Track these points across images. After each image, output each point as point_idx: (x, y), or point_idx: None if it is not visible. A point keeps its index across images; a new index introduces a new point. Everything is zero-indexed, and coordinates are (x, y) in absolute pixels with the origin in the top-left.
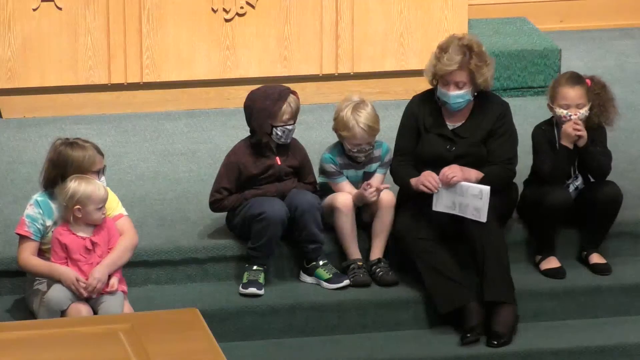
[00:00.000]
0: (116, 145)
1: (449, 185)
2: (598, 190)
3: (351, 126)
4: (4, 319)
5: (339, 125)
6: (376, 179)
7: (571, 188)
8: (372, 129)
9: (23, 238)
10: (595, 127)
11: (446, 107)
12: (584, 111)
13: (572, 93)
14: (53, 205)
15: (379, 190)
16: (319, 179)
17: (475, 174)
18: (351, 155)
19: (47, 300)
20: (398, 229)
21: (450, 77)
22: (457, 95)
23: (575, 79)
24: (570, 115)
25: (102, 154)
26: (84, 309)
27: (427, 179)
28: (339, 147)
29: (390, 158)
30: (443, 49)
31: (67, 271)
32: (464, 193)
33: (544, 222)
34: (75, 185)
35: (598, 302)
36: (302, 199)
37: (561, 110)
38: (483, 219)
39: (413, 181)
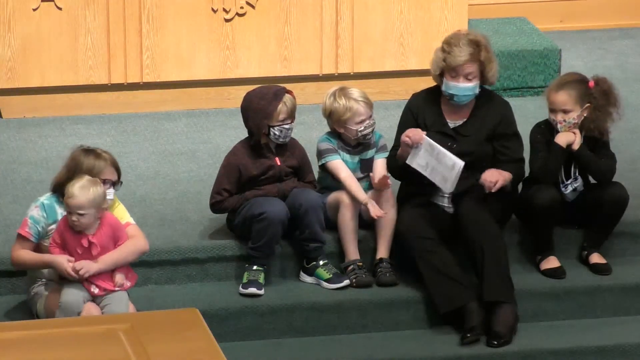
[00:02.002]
0: (116, 145)
1: (489, 188)
2: (604, 190)
3: (350, 105)
4: (4, 319)
5: (338, 113)
6: (379, 166)
7: (569, 189)
8: (369, 99)
9: (21, 237)
10: (594, 134)
11: (454, 100)
12: (571, 117)
13: (557, 98)
14: (59, 210)
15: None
16: (318, 161)
17: (507, 174)
18: (359, 138)
19: (64, 305)
20: (400, 228)
21: (461, 69)
22: (467, 88)
23: (563, 84)
24: (556, 123)
25: (116, 168)
26: (94, 310)
27: (411, 131)
28: (334, 133)
29: (383, 143)
30: (451, 43)
31: (58, 257)
32: (440, 159)
33: (537, 222)
34: (70, 183)
35: (598, 302)
36: (307, 197)
37: (550, 115)
38: (447, 190)
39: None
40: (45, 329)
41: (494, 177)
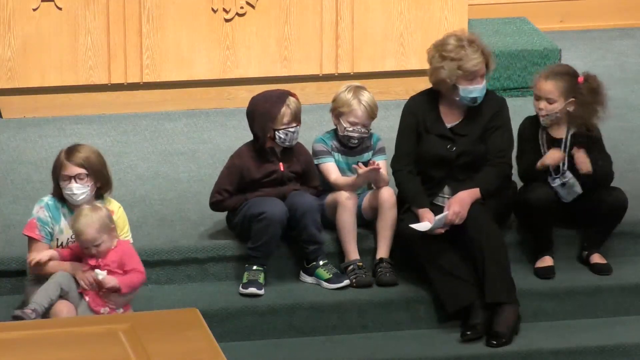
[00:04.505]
0: (116, 145)
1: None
2: (603, 195)
3: (352, 103)
4: (4, 319)
5: (339, 103)
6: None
7: (557, 182)
8: (372, 109)
9: (33, 241)
10: (582, 130)
11: (475, 104)
12: (553, 108)
13: (543, 86)
14: (62, 210)
15: (376, 170)
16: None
17: (469, 197)
18: (345, 135)
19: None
20: (403, 228)
21: (478, 70)
22: (484, 87)
23: (553, 73)
24: (539, 111)
25: (80, 165)
26: (65, 309)
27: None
28: (332, 132)
29: (381, 146)
30: (455, 49)
31: (74, 263)
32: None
33: (534, 221)
34: (73, 220)
35: (598, 302)
36: (302, 200)
37: (535, 102)
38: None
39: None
40: (45, 329)
41: (457, 210)
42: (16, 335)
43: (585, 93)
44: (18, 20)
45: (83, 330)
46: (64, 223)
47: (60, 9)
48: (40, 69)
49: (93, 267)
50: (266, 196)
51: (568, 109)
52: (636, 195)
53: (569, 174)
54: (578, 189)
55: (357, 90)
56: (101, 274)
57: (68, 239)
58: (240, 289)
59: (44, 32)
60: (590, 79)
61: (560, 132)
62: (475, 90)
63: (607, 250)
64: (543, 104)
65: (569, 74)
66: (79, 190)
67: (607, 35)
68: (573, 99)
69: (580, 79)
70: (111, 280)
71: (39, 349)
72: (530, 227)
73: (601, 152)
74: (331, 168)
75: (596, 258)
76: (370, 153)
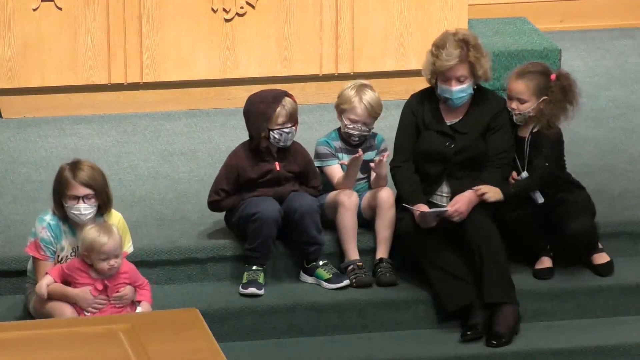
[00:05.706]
0: (116, 145)
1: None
2: (566, 225)
3: (353, 100)
4: (4, 319)
5: (342, 99)
6: None
7: (523, 175)
8: (374, 109)
9: (39, 260)
10: (542, 126)
11: (448, 103)
12: (525, 107)
13: (514, 86)
14: (63, 228)
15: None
16: (315, 162)
17: (476, 199)
18: (346, 132)
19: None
20: (402, 228)
21: (451, 72)
22: (460, 90)
23: (524, 73)
24: (512, 110)
25: (87, 184)
26: (68, 311)
27: (424, 223)
28: (336, 132)
29: (385, 147)
30: (439, 45)
31: (81, 291)
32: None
33: (517, 236)
34: (85, 230)
35: (598, 302)
36: (302, 201)
37: (507, 101)
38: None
39: (416, 215)
40: (45, 329)
41: (461, 211)
42: (16, 335)
43: (555, 91)
44: (18, 20)
45: (83, 330)
46: (65, 241)
47: (60, 9)
48: (40, 69)
49: (101, 291)
50: (262, 196)
51: (541, 107)
52: (636, 195)
53: (524, 175)
54: (538, 198)
55: (360, 88)
56: (143, 306)
57: (67, 255)
58: (240, 289)
59: (44, 32)
60: (562, 77)
61: (525, 132)
62: (447, 91)
63: (607, 250)
64: (515, 104)
65: (541, 73)
66: (87, 210)
67: (607, 35)
68: (546, 98)
69: (553, 76)
70: (148, 307)
71: (39, 349)
72: (517, 241)
73: (543, 149)
74: (335, 171)
75: (598, 258)
76: (374, 152)
